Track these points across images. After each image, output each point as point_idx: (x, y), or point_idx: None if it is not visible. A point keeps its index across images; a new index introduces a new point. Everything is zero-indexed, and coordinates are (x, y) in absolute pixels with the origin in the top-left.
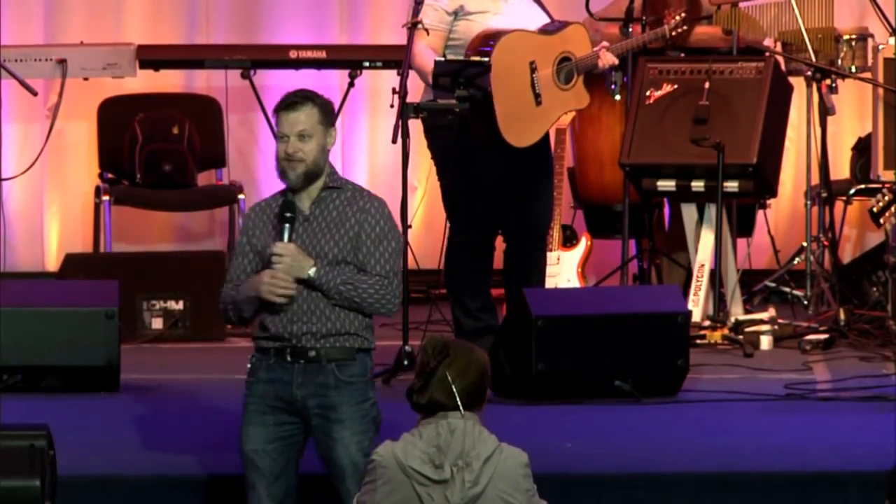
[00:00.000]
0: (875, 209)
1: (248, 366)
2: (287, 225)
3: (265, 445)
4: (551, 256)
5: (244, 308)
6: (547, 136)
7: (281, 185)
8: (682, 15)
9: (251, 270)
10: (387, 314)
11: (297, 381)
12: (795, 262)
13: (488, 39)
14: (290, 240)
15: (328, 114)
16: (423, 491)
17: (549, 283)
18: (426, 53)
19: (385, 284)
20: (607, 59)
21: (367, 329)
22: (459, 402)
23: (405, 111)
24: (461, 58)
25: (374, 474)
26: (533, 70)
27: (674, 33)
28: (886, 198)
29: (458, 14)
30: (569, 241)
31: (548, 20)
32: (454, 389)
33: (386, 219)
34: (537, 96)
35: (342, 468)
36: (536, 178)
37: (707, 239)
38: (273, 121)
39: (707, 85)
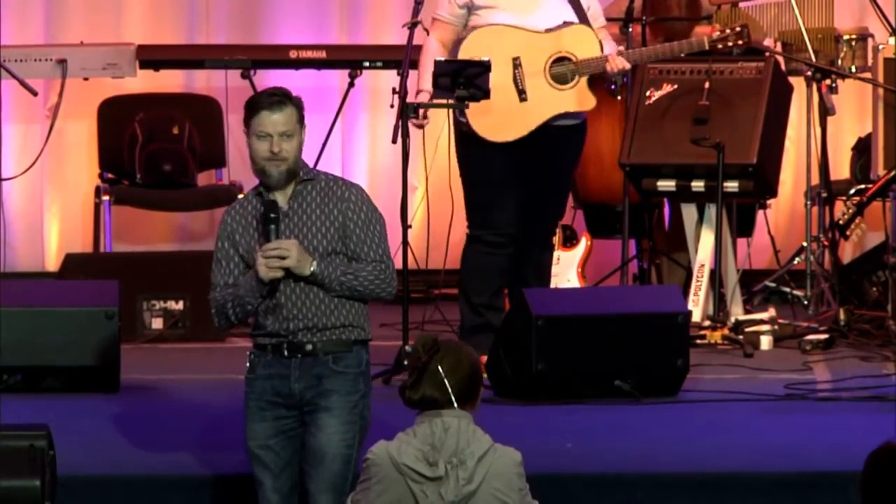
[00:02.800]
0: (841, 221)
1: (247, 363)
2: (272, 226)
3: (268, 441)
4: None
5: (248, 300)
6: (562, 135)
7: None
8: (733, 29)
9: (238, 273)
10: (387, 298)
11: (295, 374)
12: (795, 262)
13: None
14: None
15: (302, 112)
16: (418, 488)
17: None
18: (433, 52)
19: (382, 269)
20: (616, 64)
21: (363, 318)
22: (452, 396)
23: (405, 111)
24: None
25: (368, 472)
26: (516, 66)
27: (720, 46)
28: (850, 210)
29: (470, 8)
30: (569, 241)
31: (576, 20)
32: (446, 384)
33: (367, 203)
34: (521, 92)
35: (320, 455)
36: (545, 176)
37: (707, 239)
38: (250, 118)
39: (707, 85)
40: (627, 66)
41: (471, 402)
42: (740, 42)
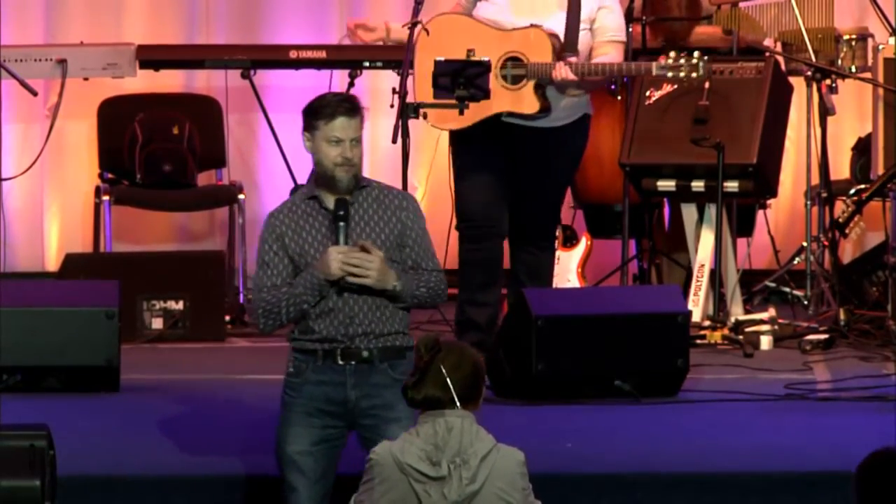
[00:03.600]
0: (841, 219)
1: (291, 368)
2: (342, 223)
3: (310, 447)
4: None
5: (307, 298)
6: (556, 136)
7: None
8: (688, 59)
9: (287, 275)
10: (440, 304)
11: (350, 382)
12: (795, 262)
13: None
14: (345, 242)
15: None
16: (421, 488)
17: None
18: None
19: (441, 278)
20: (562, 73)
21: (408, 326)
22: (455, 395)
23: (405, 111)
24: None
25: (372, 472)
26: (469, 58)
27: (669, 75)
28: (850, 208)
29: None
30: (569, 241)
31: (561, 26)
32: (449, 383)
33: (421, 213)
34: None
35: None
36: (524, 176)
37: (707, 239)
38: (319, 122)
39: (707, 85)
40: (571, 77)
41: (473, 401)
42: (693, 75)
